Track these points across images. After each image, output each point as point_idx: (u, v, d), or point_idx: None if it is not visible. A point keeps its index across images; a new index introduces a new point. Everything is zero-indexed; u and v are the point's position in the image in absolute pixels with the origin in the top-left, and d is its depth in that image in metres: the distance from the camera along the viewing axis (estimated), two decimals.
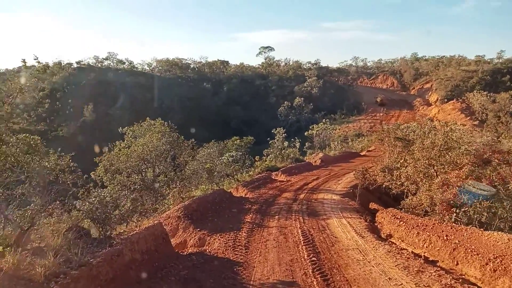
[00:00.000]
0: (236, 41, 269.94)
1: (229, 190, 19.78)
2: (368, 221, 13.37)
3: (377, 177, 19.01)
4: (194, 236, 11.96)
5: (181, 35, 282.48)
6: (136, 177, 16.65)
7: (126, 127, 18.94)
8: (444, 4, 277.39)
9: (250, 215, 14.41)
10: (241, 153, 28.25)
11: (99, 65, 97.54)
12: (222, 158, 25.65)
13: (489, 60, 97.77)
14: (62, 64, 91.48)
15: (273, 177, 24.98)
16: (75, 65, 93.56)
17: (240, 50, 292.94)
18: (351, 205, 16.30)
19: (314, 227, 12.59)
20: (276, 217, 14.21)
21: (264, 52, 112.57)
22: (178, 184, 17.61)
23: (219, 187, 20.00)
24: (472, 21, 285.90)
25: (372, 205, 17.57)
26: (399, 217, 11.92)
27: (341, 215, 14.37)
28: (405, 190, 17.60)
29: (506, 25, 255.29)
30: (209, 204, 14.91)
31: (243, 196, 18.83)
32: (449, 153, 16.31)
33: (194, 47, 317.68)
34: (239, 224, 13.17)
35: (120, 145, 18.06)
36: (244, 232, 12.17)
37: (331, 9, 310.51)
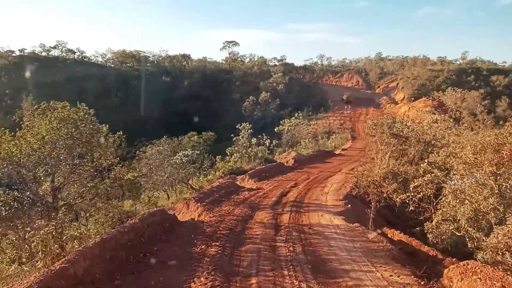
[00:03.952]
0: (201, 38, 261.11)
1: (174, 207, 14.64)
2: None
3: (380, 187, 14.46)
4: None
5: (143, 29, 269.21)
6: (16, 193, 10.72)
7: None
8: (403, 10, 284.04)
9: (201, 281, 7.78)
10: (198, 151, 23.13)
11: (46, 54, 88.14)
12: (174, 158, 20.43)
13: (453, 61, 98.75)
14: (1, 51, 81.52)
15: (238, 183, 20.04)
16: (17, 53, 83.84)
17: (205, 47, 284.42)
18: (373, 240, 10.92)
19: None
20: (254, 282, 7.93)
21: (228, 47, 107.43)
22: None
23: (156, 207, 14.75)
24: (431, 26, 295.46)
25: (394, 234, 13.00)
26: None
27: (375, 271, 8.54)
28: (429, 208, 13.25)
29: (461, 29, 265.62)
30: (114, 260, 8.35)
31: (195, 219, 13.39)
32: None
33: (156, 42, 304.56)
34: None
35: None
36: None
37: (297, 11, 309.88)
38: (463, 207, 11.43)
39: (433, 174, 13.10)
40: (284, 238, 10.96)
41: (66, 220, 12.18)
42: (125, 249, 9.09)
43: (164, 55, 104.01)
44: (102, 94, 76.75)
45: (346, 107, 72.24)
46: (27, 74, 74.37)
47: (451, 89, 58.89)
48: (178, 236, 11.20)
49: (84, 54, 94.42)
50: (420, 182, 13.31)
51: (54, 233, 8.28)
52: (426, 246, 11.32)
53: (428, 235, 12.49)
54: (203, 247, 10.21)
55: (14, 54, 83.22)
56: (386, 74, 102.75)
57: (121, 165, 17.33)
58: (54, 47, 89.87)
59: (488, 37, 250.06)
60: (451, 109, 53.19)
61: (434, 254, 10.65)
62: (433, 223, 11.93)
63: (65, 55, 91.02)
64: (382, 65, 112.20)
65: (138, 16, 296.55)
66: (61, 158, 12.17)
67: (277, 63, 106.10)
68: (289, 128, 35.93)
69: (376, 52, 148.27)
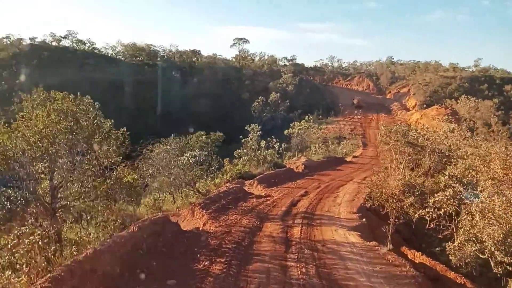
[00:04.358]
0: (210, 34, 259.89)
1: (179, 213, 13.83)
2: None
3: (399, 201, 13.48)
4: None
5: (153, 22, 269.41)
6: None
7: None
8: (413, 13, 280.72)
9: None
10: (206, 152, 22.30)
11: (56, 44, 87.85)
12: (181, 158, 19.63)
13: (465, 68, 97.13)
14: (12, 39, 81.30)
15: (246, 189, 19.22)
16: (28, 41, 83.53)
17: (214, 43, 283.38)
18: (394, 263, 9.96)
19: None
20: None
21: (239, 44, 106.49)
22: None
23: (160, 211, 13.96)
24: (442, 31, 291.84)
25: (415, 256, 12.10)
26: None
27: None
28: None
29: (474, 36, 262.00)
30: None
31: (200, 228, 12.62)
32: None
33: (167, 37, 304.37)
34: None
35: None
36: None
37: (308, 10, 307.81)
38: (491, 228, 10.42)
39: (454, 189, 12.18)
40: (296, 257, 10.17)
41: (62, 223, 11.38)
42: (121, 264, 8.29)
43: (174, 50, 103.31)
44: (112, 88, 76.20)
45: (356, 111, 71.09)
46: (38, 64, 74.11)
47: (464, 97, 57.42)
48: (180, 249, 10.40)
49: (94, 46, 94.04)
50: (441, 197, 12.43)
51: (40, 243, 7.46)
52: (452, 272, 10.32)
53: (450, 257, 11.54)
54: (206, 263, 9.42)
55: (25, 43, 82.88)
56: (398, 79, 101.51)
57: (124, 165, 16.56)
58: (65, 37, 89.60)
59: (501, 44, 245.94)
60: (464, 118, 51.80)
61: (462, 282, 9.71)
62: (456, 243, 11.01)
63: (75, 45, 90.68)
64: (393, 69, 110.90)
65: (148, 8, 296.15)
66: (60, 154, 11.30)
67: (287, 63, 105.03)
68: (299, 131, 34.99)
69: (387, 55, 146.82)
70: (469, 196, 12.77)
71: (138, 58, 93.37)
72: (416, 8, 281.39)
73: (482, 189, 11.12)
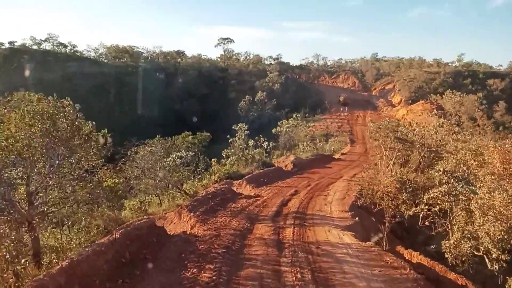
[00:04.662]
0: (194, 35, 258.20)
1: (165, 216, 13.24)
2: None
3: (395, 199, 13.11)
4: None
5: (136, 24, 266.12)
6: None
7: None
8: (395, 10, 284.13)
9: None
10: (193, 153, 21.69)
11: (37, 47, 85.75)
12: (167, 160, 18.99)
13: (449, 63, 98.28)
14: None
15: (235, 189, 18.69)
16: (6, 46, 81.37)
17: (198, 44, 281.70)
18: (393, 265, 9.54)
19: None
20: None
21: (223, 44, 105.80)
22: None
23: (146, 214, 13.32)
24: (424, 28, 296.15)
25: (412, 256, 11.69)
26: None
27: None
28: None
29: (456, 32, 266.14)
30: None
31: (187, 231, 12.03)
32: None
33: (148, 38, 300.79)
34: None
35: None
36: None
37: (291, 9, 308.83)
38: (491, 225, 10.06)
39: (449, 185, 11.81)
40: (290, 261, 9.65)
41: (38, 231, 10.62)
42: (101, 275, 7.67)
43: (158, 51, 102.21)
44: (95, 90, 74.66)
45: (342, 109, 71.29)
46: (18, 68, 72.12)
47: (450, 92, 57.87)
48: (167, 255, 9.80)
49: (76, 48, 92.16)
50: (436, 194, 12.03)
51: (8, 257, 6.80)
52: (453, 273, 9.92)
53: (446, 255, 11.19)
54: (195, 270, 8.85)
55: (3, 47, 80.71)
56: (382, 75, 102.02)
57: (106, 168, 15.79)
58: (45, 40, 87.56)
59: (482, 39, 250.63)
60: (450, 113, 52.17)
61: (464, 284, 9.35)
62: (451, 241, 10.65)
63: (56, 49, 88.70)
64: (378, 66, 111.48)
65: (130, 11, 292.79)
66: (35, 158, 10.54)
67: (272, 62, 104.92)
68: (287, 129, 34.55)
69: (371, 53, 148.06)
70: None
71: (121, 60, 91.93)
72: (398, 4, 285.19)
73: (481, 184, 10.78)
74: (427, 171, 18.41)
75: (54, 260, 9.95)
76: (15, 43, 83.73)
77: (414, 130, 21.03)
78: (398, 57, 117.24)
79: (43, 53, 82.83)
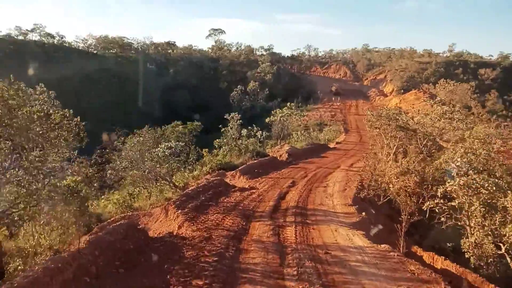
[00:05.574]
0: (185, 27, 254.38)
1: (151, 212, 12.42)
2: None
3: (414, 194, 12.26)
4: None
5: (126, 17, 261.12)
6: None
7: None
8: (387, 2, 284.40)
9: None
10: (183, 143, 20.91)
11: (22, 38, 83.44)
12: (156, 150, 18.20)
13: (440, 53, 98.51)
14: None
15: (228, 181, 17.97)
16: None
17: (189, 36, 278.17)
18: (422, 277, 8.10)
19: None
20: None
21: (214, 35, 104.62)
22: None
23: (131, 209, 12.36)
24: (416, 19, 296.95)
25: (434, 260, 10.77)
26: None
27: None
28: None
29: (446, 22, 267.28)
30: None
31: (174, 232, 10.84)
32: None
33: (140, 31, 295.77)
34: None
35: None
36: None
37: (283, 1, 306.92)
38: None
39: (469, 177, 11.03)
40: (295, 273, 8.37)
41: None
42: None
43: (149, 42, 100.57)
44: (84, 81, 73.01)
45: (334, 98, 71.02)
46: (1, 58, 69.97)
47: (443, 81, 57.72)
48: (145, 267, 8.39)
49: (64, 39, 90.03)
50: (454, 187, 10.88)
51: None
52: (492, 285, 8.81)
53: (466, 255, 10.34)
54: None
55: None
56: (374, 66, 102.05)
57: (80, 162, 14.82)
58: (32, 30, 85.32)
59: (472, 30, 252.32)
60: (443, 102, 51.99)
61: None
62: (472, 240, 9.90)
63: (44, 39, 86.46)
64: (369, 56, 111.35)
65: (119, 2, 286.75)
66: None
67: (264, 53, 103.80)
68: (281, 119, 33.91)
69: (362, 44, 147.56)
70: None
71: (111, 51, 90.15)
72: None
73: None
74: (430, 160, 17.79)
75: (20, 267, 8.77)
76: None
77: (413, 118, 20.52)
78: (389, 48, 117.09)
79: (29, 43, 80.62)
